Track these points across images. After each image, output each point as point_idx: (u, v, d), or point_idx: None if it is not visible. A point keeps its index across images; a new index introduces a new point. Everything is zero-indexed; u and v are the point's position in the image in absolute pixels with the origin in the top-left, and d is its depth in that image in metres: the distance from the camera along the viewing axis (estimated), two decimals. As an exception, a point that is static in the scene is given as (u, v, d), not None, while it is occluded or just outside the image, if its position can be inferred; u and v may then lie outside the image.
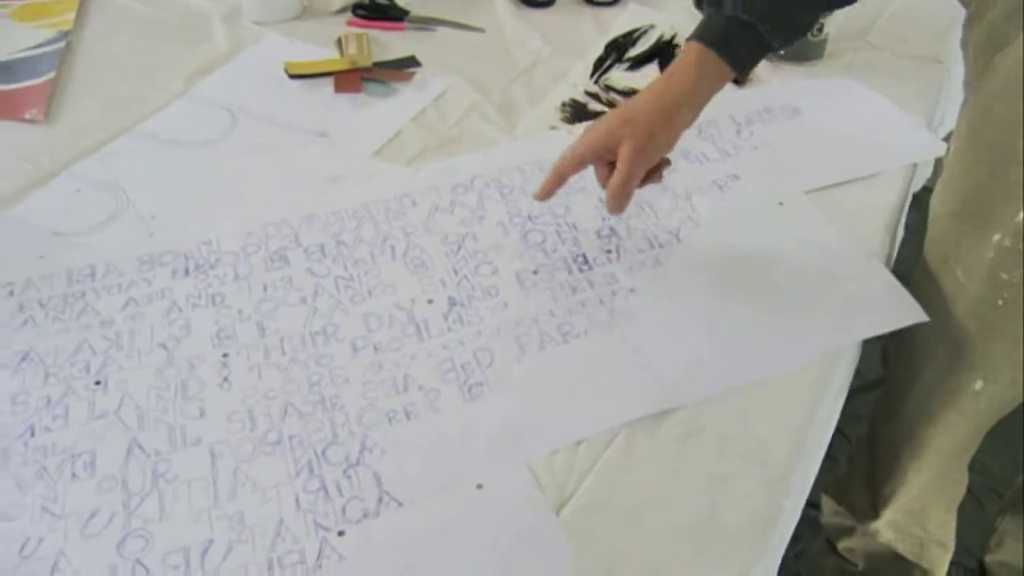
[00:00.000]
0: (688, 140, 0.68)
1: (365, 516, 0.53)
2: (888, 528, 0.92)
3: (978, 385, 0.74)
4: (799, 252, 0.72)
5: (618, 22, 1.05)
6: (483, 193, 0.78)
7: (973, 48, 0.69)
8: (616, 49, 1.00)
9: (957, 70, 0.90)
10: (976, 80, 0.68)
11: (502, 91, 0.94)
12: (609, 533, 0.53)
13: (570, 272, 0.70)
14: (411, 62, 0.97)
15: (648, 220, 0.75)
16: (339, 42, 1.00)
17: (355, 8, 1.06)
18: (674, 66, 0.66)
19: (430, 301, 0.67)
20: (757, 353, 0.64)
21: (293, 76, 0.93)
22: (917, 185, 0.90)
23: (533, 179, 0.78)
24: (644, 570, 0.51)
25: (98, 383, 0.61)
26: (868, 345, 0.68)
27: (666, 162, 0.68)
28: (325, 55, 0.97)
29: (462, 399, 0.60)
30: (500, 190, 0.78)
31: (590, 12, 1.08)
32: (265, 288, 0.68)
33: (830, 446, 0.68)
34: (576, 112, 0.90)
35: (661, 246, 0.72)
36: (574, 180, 0.69)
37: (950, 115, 0.94)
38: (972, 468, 0.88)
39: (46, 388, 0.61)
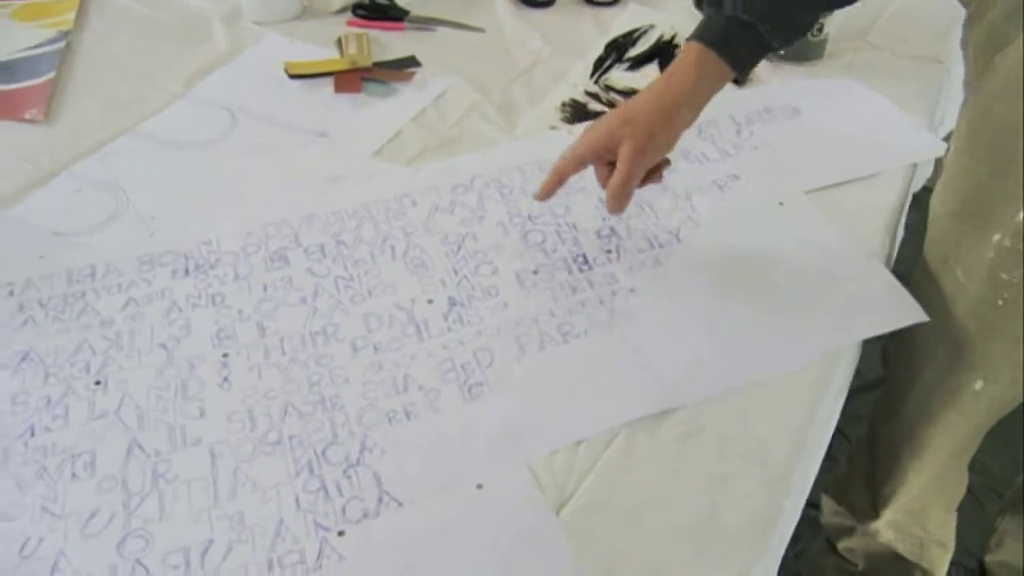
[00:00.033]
0: (688, 140, 0.68)
1: (365, 516, 0.53)
2: (888, 528, 0.92)
3: (978, 385, 0.74)
4: (799, 252, 0.72)
5: (618, 22, 1.05)
6: (483, 193, 0.78)
7: (973, 48, 0.69)
8: (616, 49, 1.00)
9: (957, 70, 0.90)
10: (976, 80, 0.68)
11: (502, 91, 0.94)
12: (609, 533, 0.53)
13: (570, 272, 0.70)
14: (411, 62, 0.97)
15: (648, 220, 0.75)
16: (339, 42, 1.00)
17: (355, 8, 1.06)
18: (674, 66, 0.66)
19: (430, 301, 0.67)
20: (757, 353, 0.64)
21: (293, 76, 0.93)
22: (917, 185, 0.90)
23: (533, 179, 0.78)
24: (644, 570, 0.51)
25: (98, 383, 0.61)
26: (868, 345, 0.68)
27: (666, 162, 0.68)
28: (325, 55, 0.97)
29: (462, 399, 0.60)
30: (500, 190, 0.78)
31: (590, 12, 1.09)
32: (265, 288, 0.68)
33: (830, 446, 0.68)
34: (576, 112, 0.90)
35: (661, 246, 0.72)
36: (574, 180, 0.69)
37: (950, 115, 0.94)
38: (972, 468, 0.88)
39: (46, 388, 0.61)
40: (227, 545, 0.51)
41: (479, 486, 0.55)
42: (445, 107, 0.91)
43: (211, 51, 0.99)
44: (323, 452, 0.56)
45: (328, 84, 0.93)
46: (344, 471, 0.55)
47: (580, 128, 0.86)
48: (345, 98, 0.92)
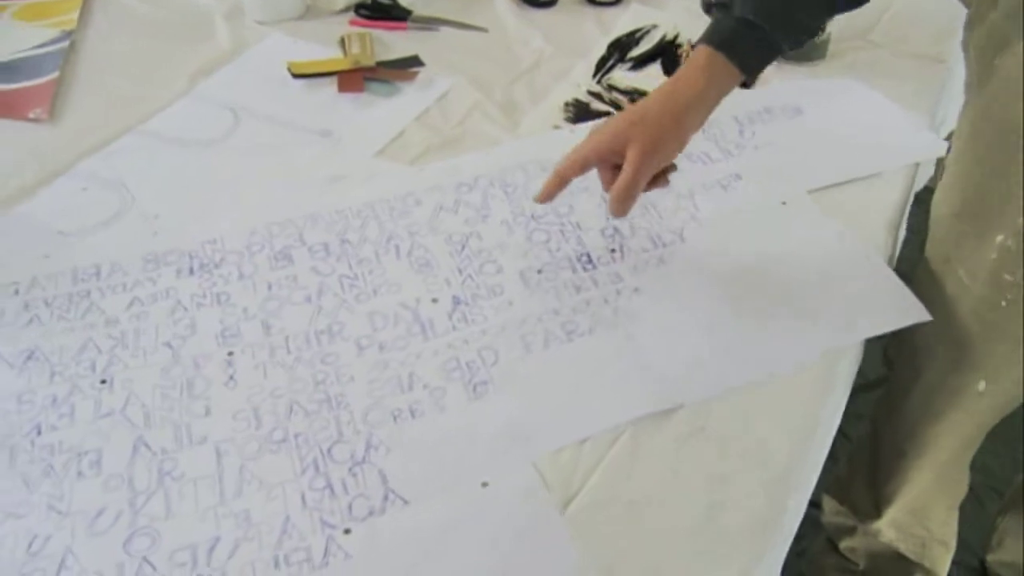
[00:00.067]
0: (691, 140, 0.68)
1: (371, 514, 0.53)
2: (890, 527, 0.93)
3: (981, 386, 0.75)
4: (801, 251, 0.72)
5: (620, 22, 1.05)
6: (487, 192, 0.78)
7: (974, 49, 0.69)
8: (619, 49, 1.00)
9: (959, 70, 0.89)
10: (977, 81, 0.69)
11: (505, 90, 0.94)
12: (611, 532, 0.53)
13: (574, 271, 0.70)
14: (414, 61, 0.97)
15: (652, 219, 0.75)
16: (342, 41, 1.00)
17: (358, 8, 1.07)
18: (682, 69, 0.66)
19: (435, 300, 0.67)
20: (760, 352, 0.64)
21: (296, 75, 0.94)
22: (919, 185, 0.90)
23: (536, 178, 0.78)
24: (644, 570, 0.52)
25: (104, 382, 0.61)
26: (869, 344, 0.68)
27: (672, 167, 0.68)
28: (328, 55, 0.97)
29: (467, 397, 0.60)
30: (504, 189, 0.78)
31: (592, 12, 1.09)
32: (270, 287, 0.69)
33: (831, 445, 0.68)
34: (579, 111, 0.90)
35: (665, 245, 0.72)
36: (578, 179, 0.69)
37: (952, 114, 0.94)
38: (973, 467, 0.88)
39: (52, 387, 0.61)
40: (233, 543, 0.51)
41: (484, 484, 0.55)
42: (448, 106, 0.91)
43: (214, 50, 0.99)
44: (329, 450, 0.57)
45: (331, 84, 0.93)
46: (350, 469, 0.55)
47: (583, 127, 0.86)
48: (348, 97, 0.92)
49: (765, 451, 0.58)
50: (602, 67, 0.97)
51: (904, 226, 0.84)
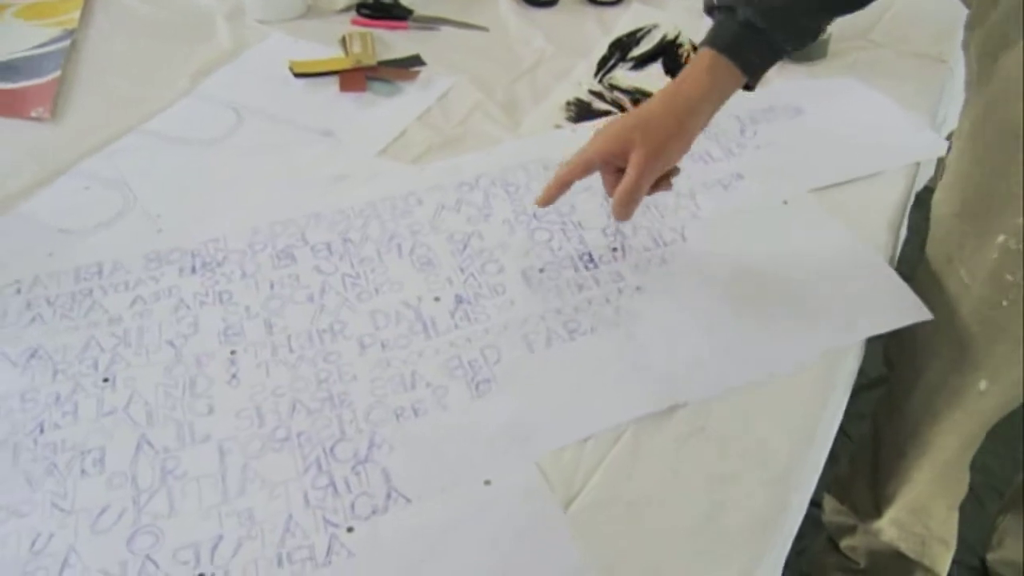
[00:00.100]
0: (692, 140, 0.68)
1: (374, 512, 0.53)
2: (890, 526, 0.93)
3: (982, 385, 0.75)
4: (803, 251, 0.72)
5: (621, 22, 1.06)
6: (489, 191, 0.78)
7: (975, 49, 0.69)
8: (620, 48, 1.00)
9: (960, 69, 0.90)
10: (978, 81, 0.69)
11: (506, 90, 0.94)
12: (613, 531, 0.53)
13: (576, 270, 0.70)
14: (416, 61, 0.97)
15: (653, 219, 0.75)
16: (343, 41, 1.00)
17: (359, 7, 1.07)
18: (686, 72, 0.66)
19: (437, 299, 0.67)
20: (761, 352, 0.64)
21: (298, 75, 0.94)
22: (919, 184, 0.90)
23: (538, 177, 0.79)
24: (645, 569, 0.52)
25: (106, 380, 0.61)
26: (870, 343, 0.68)
27: (676, 170, 0.68)
28: (330, 54, 0.98)
29: (470, 396, 0.60)
30: (506, 188, 0.78)
31: (593, 11, 1.09)
32: (272, 286, 0.69)
33: (832, 445, 0.68)
34: (580, 111, 0.90)
35: (666, 244, 0.72)
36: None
37: (952, 114, 0.94)
38: (973, 467, 0.88)
39: (55, 385, 0.61)
40: (236, 541, 0.52)
41: (487, 482, 0.55)
42: (449, 106, 0.91)
43: (215, 49, 0.99)
44: (331, 449, 0.57)
45: (333, 83, 0.93)
46: (352, 467, 0.55)
47: (584, 127, 0.86)
48: (350, 97, 0.92)
49: (765, 451, 0.58)
50: (603, 66, 0.97)
51: (905, 226, 0.84)
